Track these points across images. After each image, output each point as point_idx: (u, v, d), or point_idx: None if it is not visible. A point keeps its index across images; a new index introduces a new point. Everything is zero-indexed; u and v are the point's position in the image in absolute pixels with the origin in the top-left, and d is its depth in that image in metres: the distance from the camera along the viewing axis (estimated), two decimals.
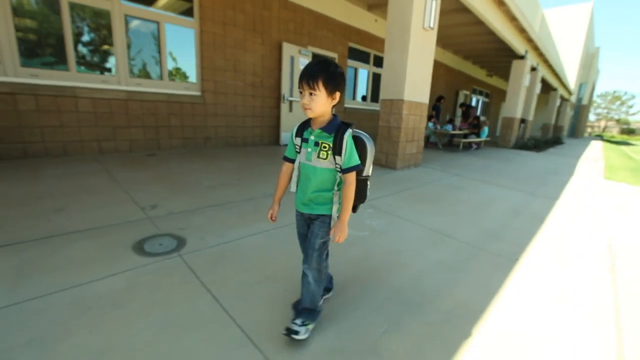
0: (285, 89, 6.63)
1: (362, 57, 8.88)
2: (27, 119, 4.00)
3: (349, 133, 1.20)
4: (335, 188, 1.27)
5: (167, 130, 5.23)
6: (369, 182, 1.34)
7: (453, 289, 1.75)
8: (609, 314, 1.66)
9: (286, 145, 6.77)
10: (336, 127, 1.20)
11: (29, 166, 3.57)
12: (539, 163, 7.61)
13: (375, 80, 9.50)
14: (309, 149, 1.24)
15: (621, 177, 6.42)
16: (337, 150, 1.19)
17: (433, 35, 4.79)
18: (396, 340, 1.33)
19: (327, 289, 1.54)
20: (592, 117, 59.14)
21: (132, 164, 4.03)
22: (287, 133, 6.83)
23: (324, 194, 1.26)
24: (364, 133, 1.30)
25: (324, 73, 1.14)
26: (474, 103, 16.42)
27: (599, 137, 38.64)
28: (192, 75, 5.54)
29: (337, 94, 1.19)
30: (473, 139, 9.14)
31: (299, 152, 1.29)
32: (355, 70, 8.86)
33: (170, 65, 5.26)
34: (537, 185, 4.80)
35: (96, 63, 4.58)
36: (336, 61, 7.83)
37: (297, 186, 1.34)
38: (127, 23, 4.66)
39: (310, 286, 1.29)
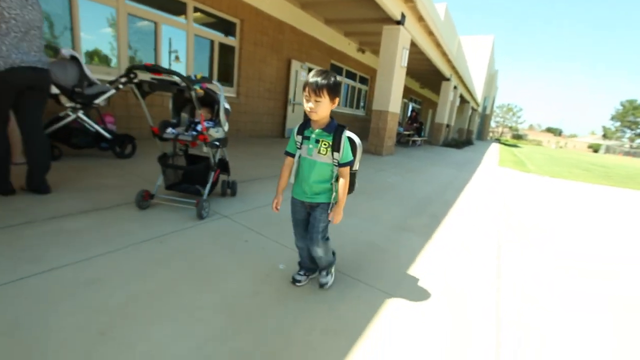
0: (291, 94, 8.63)
1: (338, 72, 11.26)
2: (132, 110, 5.39)
3: (345, 133, 1.41)
4: (333, 180, 1.47)
5: None
6: (356, 175, 1.56)
7: (442, 196, 4.22)
8: (498, 222, 4.31)
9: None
10: (334, 127, 1.40)
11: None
12: (460, 156, 11.00)
13: (346, 90, 11.99)
14: (310, 145, 1.42)
15: (508, 165, 10.03)
16: (336, 147, 1.39)
17: (404, 70, 7.41)
18: (429, 209, 3.70)
19: (313, 269, 1.70)
20: (493, 124, 71.66)
21: None
22: (290, 128, 8.83)
23: (323, 185, 1.46)
24: (353, 134, 1.49)
25: (327, 83, 1.32)
26: (410, 109, 20.17)
27: (497, 140, 47.95)
28: (232, 82, 7.24)
29: (337, 100, 1.38)
30: (416, 137, 12.30)
31: (300, 148, 1.46)
32: None
33: (218, 72, 6.90)
34: (462, 167, 7.80)
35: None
36: None
37: (296, 178, 1.51)
38: (195, 42, 6.23)
39: (322, 259, 1.56)
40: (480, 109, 29.28)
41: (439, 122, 14.29)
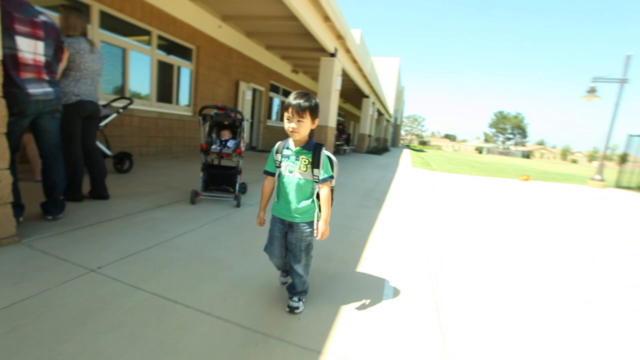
0: None
1: (276, 91, 12.54)
2: (113, 131, 5.76)
3: (324, 150, 1.51)
4: (314, 197, 1.53)
5: (176, 140, 7.45)
6: (334, 191, 1.62)
7: (378, 188, 5.83)
8: (431, 203, 6.13)
9: None
10: (313, 146, 1.50)
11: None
12: (382, 160, 13.30)
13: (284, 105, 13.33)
14: (291, 163, 1.49)
15: (418, 165, 12.63)
16: (315, 164, 1.47)
17: (338, 92, 9.11)
18: (373, 195, 5.24)
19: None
20: (403, 132, 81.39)
21: (185, 161, 6.42)
22: None
23: (305, 203, 1.51)
24: (330, 153, 1.57)
25: (310, 105, 1.43)
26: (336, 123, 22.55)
27: (407, 146, 55.07)
28: (188, 101, 7.89)
29: (317, 120, 1.50)
30: (345, 147, 14.30)
31: (279, 167, 1.53)
32: (272, 99, 12.42)
33: (177, 93, 7.51)
34: (386, 168, 9.82)
35: (141, 92, 6.56)
36: (263, 94, 11.22)
37: (277, 196, 1.56)
38: (158, 66, 6.82)
39: (302, 277, 1.57)
40: (392, 120, 33.76)
41: (363, 133, 16.68)
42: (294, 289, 1.61)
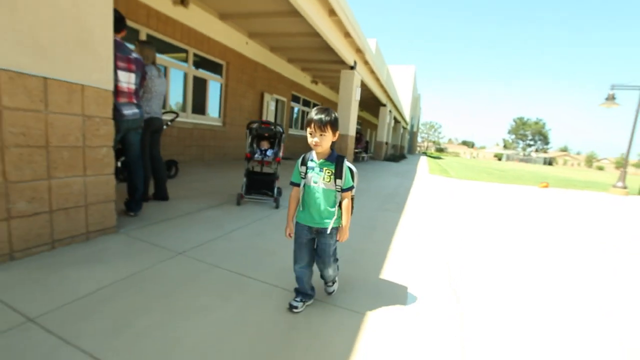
0: None
1: (296, 101, 13.14)
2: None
3: (346, 162, 1.63)
4: (337, 205, 1.65)
5: (207, 149, 8.07)
6: (354, 200, 1.74)
7: (398, 194, 6.19)
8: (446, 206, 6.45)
9: None
10: (335, 157, 1.61)
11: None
12: (399, 167, 13.59)
13: (304, 115, 13.90)
14: (316, 174, 1.61)
15: (436, 173, 12.85)
16: (338, 174, 1.59)
17: (357, 102, 9.57)
18: (393, 200, 5.61)
19: (310, 296, 1.76)
20: (419, 139, 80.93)
21: (219, 167, 6.99)
22: None
23: (330, 210, 1.63)
24: (351, 164, 1.69)
25: (330, 119, 1.54)
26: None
27: (424, 153, 54.79)
28: (218, 113, 8.53)
29: (337, 133, 1.61)
30: (364, 154, 14.68)
31: (304, 178, 1.65)
32: (293, 108, 13.01)
33: (209, 105, 8.16)
34: (403, 175, 10.13)
35: (178, 105, 7.22)
36: (286, 103, 11.81)
37: (303, 205, 1.67)
38: (193, 80, 7.48)
39: (331, 276, 1.80)
40: (408, 128, 33.89)
41: (380, 141, 17.04)
42: (327, 280, 1.84)
